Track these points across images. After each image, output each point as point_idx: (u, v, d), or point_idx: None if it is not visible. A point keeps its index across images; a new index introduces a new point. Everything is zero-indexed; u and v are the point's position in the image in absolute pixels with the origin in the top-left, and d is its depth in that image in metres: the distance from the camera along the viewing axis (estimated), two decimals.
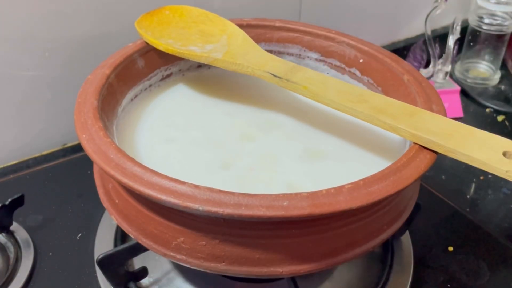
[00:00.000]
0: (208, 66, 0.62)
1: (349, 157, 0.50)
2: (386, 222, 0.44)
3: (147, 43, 0.57)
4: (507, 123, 0.90)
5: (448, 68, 0.90)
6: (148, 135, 0.52)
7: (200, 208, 0.36)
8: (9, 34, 0.65)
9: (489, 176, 0.74)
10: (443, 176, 0.77)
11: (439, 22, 1.09)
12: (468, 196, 0.74)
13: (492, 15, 0.96)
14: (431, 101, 0.49)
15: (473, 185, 0.76)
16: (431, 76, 0.92)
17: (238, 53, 0.55)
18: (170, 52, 0.56)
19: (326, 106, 0.48)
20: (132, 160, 0.39)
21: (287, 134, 0.53)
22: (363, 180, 0.38)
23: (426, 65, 0.95)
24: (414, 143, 0.43)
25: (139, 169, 0.39)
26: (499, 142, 0.40)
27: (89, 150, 0.41)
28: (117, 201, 0.46)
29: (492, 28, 0.96)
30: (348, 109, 0.46)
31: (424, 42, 0.92)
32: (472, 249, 0.62)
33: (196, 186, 0.37)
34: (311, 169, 0.48)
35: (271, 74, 0.51)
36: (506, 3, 0.92)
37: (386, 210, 0.44)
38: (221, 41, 0.57)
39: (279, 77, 0.51)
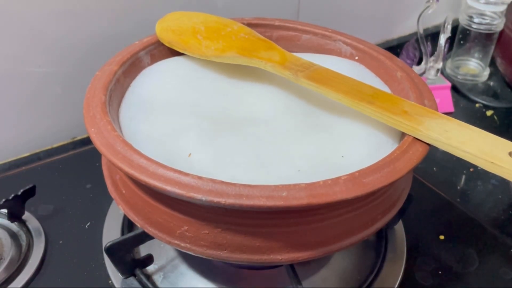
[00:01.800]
0: None
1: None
2: (380, 211, 0.44)
3: (152, 41, 0.57)
4: (495, 117, 0.90)
5: (440, 65, 0.90)
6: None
7: (203, 198, 0.36)
8: (22, 32, 0.65)
9: (478, 168, 0.74)
10: (434, 168, 0.77)
11: (431, 21, 1.09)
12: (458, 187, 0.74)
13: (482, 14, 0.95)
14: (423, 96, 0.49)
15: (463, 177, 0.76)
16: (423, 72, 0.92)
17: (254, 49, 0.55)
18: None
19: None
20: (138, 153, 0.39)
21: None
22: (358, 171, 0.38)
23: (419, 62, 0.95)
24: (414, 138, 0.43)
25: (145, 161, 0.38)
26: (505, 143, 0.40)
27: (98, 143, 0.41)
28: (124, 191, 0.46)
29: (482, 27, 0.95)
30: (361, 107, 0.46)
31: (417, 40, 0.92)
32: (462, 238, 0.62)
33: (200, 178, 0.37)
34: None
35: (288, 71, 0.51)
36: (495, 3, 0.92)
37: (380, 201, 0.44)
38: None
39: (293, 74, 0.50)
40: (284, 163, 0.43)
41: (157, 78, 0.54)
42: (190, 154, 0.43)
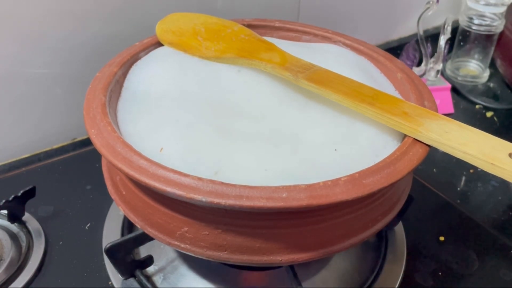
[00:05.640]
0: None
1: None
2: (380, 213, 0.44)
3: (153, 42, 0.57)
4: (495, 119, 0.90)
5: (440, 66, 0.90)
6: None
7: (203, 199, 0.36)
8: (22, 33, 0.65)
9: (478, 169, 0.74)
10: (434, 169, 0.77)
11: (431, 22, 1.09)
12: (458, 189, 0.74)
13: (482, 16, 0.95)
14: (423, 97, 0.49)
15: (463, 178, 0.76)
16: (423, 74, 0.92)
17: (254, 50, 0.55)
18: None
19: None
20: (139, 154, 0.39)
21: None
22: (358, 173, 0.38)
23: (419, 64, 0.95)
24: (414, 139, 0.43)
25: (145, 162, 0.38)
26: (505, 145, 0.40)
27: (98, 144, 0.41)
28: (124, 192, 0.46)
29: (482, 28, 0.95)
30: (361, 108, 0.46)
31: (417, 41, 0.92)
32: (462, 239, 0.62)
33: (200, 179, 0.37)
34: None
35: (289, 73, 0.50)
36: (495, 5, 0.92)
37: (381, 202, 0.44)
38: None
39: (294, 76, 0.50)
40: (257, 165, 0.42)
41: (149, 69, 0.53)
42: (161, 148, 0.42)
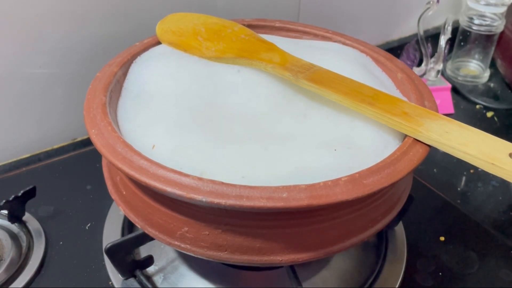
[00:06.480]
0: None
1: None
2: (380, 213, 0.44)
3: (153, 42, 0.57)
4: (496, 119, 0.90)
5: (440, 66, 0.90)
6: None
7: (204, 200, 0.36)
8: (22, 33, 0.65)
9: (479, 169, 0.74)
10: (435, 169, 0.77)
11: (431, 22, 1.09)
12: (458, 189, 0.74)
13: (482, 16, 0.95)
14: (423, 97, 0.49)
15: (464, 178, 0.76)
16: (424, 74, 0.92)
17: (254, 50, 0.55)
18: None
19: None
20: (139, 154, 0.39)
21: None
22: (358, 173, 0.38)
23: (419, 64, 0.95)
24: (414, 139, 0.43)
25: (145, 162, 0.38)
26: (506, 145, 0.40)
27: (98, 144, 0.41)
28: (124, 192, 0.46)
29: (482, 28, 0.95)
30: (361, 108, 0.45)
31: (417, 41, 0.92)
32: (462, 239, 0.62)
33: (200, 179, 0.37)
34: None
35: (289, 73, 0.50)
36: (495, 5, 0.92)
37: (381, 202, 0.44)
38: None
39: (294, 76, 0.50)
40: (235, 170, 0.41)
41: (148, 68, 0.53)
42: (154, 146, 0.42)
